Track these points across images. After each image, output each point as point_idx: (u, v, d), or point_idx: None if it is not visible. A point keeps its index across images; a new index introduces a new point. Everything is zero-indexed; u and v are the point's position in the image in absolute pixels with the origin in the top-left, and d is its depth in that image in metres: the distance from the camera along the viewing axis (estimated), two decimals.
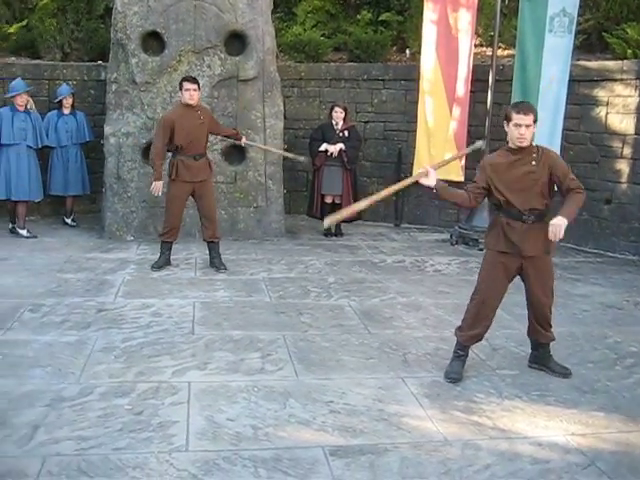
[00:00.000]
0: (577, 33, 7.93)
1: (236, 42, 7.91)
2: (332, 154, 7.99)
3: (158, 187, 6.40)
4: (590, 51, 8.64)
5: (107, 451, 3.24)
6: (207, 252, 6.68)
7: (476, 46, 8.90)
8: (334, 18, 10.75)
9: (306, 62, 9.61)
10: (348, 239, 8.23)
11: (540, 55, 7.56)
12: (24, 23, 9.86)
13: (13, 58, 9.31)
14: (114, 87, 7.80)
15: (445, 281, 6.50)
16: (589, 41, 8.77)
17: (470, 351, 4.37)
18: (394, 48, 10.16)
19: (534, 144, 4.10)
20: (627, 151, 7.58)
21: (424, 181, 4.26)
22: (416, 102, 8.59)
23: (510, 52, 8.94)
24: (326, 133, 8.09)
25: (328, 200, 8.23)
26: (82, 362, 4.28)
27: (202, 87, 7.43)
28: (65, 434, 3.38)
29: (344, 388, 4.02)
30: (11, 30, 9.66)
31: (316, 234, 8.38)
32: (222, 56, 7.80)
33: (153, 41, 7.79)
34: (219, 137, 7.39)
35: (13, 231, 7.96)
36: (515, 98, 7.91)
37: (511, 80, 7.94)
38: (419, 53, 8.67)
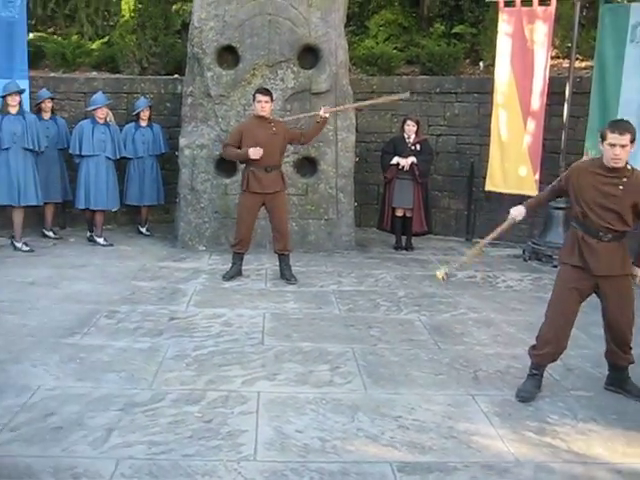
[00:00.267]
0: None
1: (309, 56, 7.98)
2: (403, 167, 7.95)
3: (257, 151, 6.26)
4: None
5: (177, 457, 3.29)
6: (278, 264, 6.73)
7: (552, 58, 8.73)
8: (407, 31, 10.74)
9: (378, 75, 9.61)
10: (419, 253, 8.16)
11: (620, 66, 7.35)
12: (105, 40, 10.25)
13: (95, 73, 9.65)
14: (189, 100, 7.99)
15: (517, 297, 6.36)
16: None
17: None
18: (467, 61, 10.07)
19: (628, 166, 3.92)
20: None
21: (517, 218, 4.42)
22: (489, 115, 8.46)
23: (588, 64, 8.73)
24: (398, 146, 8.05)
25: (399, 213, 8.18)
26: (154, 369, 4.37)
27: (275, 100, 7.54)
28: (137, 438, 3.46)
29: (413, 403, 3.98)
30: (93, 46, 10.05)
31: (386, 247, 8.34)
32: (295, 69, 7.88)
33: (228, 55, 7.95)
34: (291, 149, 7.45)
35: (91, 239, 8.23)
36: (593, 111, 7.72)
37: (589, 92, 7.75)
38: (493, 66, 8.55)
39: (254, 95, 6.44)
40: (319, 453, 3.38)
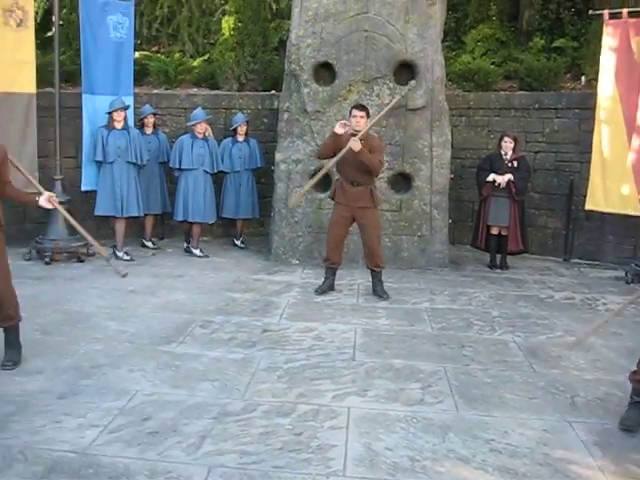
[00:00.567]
0: None
1: (405, 72, 7.96)
2: (500, 185, 7.80)
3: (341, 124, 6.28)
4: None
5: (267, 468, 3.32)
6: (370, 279, 6.72)
7: None
8: (505, 46, 10.56)
9: (475, 91, 9.49)
10: (514, 272, 7.96)
11: None
12: (206, 57, 10.58)
13: (195, 89, 9.97)
14: (286, 116, 8.12)
15: (618, 322, 6.06)
16: None
17: None
18: (568, 75, 9.79)
19: None
20: None
21: None
22: (590, 132, 8.18)
23: None
24: (494, 163, 7.91)
25: (494, 232, 8.01)
26: (247, 379, 4.44)
27: (371, 116, 7.57)
28: (229, 447, 3.51)
29: (506, 427, 3.86)
30: (194, 64, 10.39)
31: (480, 266, 8.18)
32: (391, 85, 7.89)
33: (324, 71, 8.04)
34: (386, 165, 7.44)
35: (187, 250, 8.47)
36: None
37: None
38: (595, 80, 8.28)
39: (350, 110, 6.48)
40: (408, 472, 3.34)
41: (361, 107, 6.46)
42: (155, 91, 9.65)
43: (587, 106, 8.37)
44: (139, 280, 6.99)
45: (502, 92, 9.50)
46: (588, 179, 8.18)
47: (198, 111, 8.38)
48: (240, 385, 4.34)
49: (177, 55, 10.61)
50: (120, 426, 3.71)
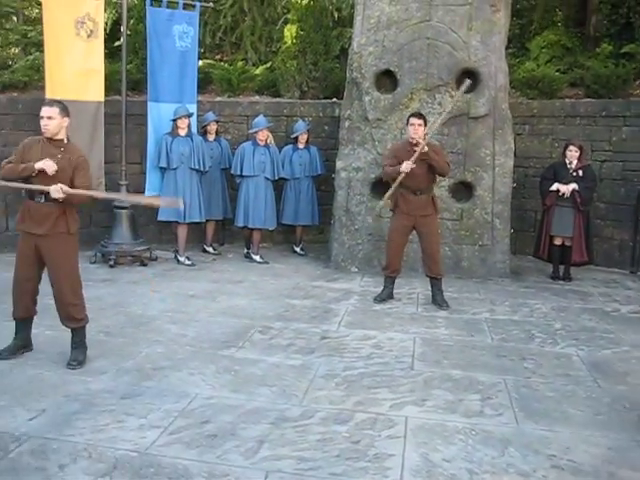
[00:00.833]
0: None
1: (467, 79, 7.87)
2: (564, 194, 7.63)
3: (408, 165, 6.20)
4: None
5: (324, 475, 3.32)
6: (430, 288, 6.66)
7: None
8: (570, 52, 10.34)
9: (539, 98, 9.32)
10: (578, 284, 7.77)
11: None
12: (268, 65, 10.69)
13: (257, 97, 10.08)
14: (347, 123, 8.14)
15: None
16: None
17: None
18: (638, 82, 9.51)
19: None
20: None
21: None
22: None
23: None
24: (558, 172, 7.75)
25: (557, 242, 7.84)
26: (305, 386, 4.45)
27: (432, 124, 7.51)
28: (286, 453, 3.53)
29: (569, 443, 3.76)
30: (257, 72, 10.51)
31: (543, 277, 8.01)
32: (453, 93, 7.81)
33: (386, 79, 8.03)
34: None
35: (247, 256, 8.56)
36: None
37: None
38: None
39: (408, 118, 6.46)
40: None
41: (419, 115, 6.43)
42: (218, 99, 9.80)
43: None
44: (200, 285, 7.11)
45: (567, 99, 9.31)
46: None
47: (260, 118, 8.47)
48: (298, 391, 4.35)
49: (240, 63, 10.76)
50: (180, 428, 3.76)
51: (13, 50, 10.77)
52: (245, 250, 8.67)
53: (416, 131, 6.29)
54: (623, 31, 10.20)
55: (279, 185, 8.75)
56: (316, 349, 5.20)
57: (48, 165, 4.47)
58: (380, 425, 3.89)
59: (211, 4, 9.45)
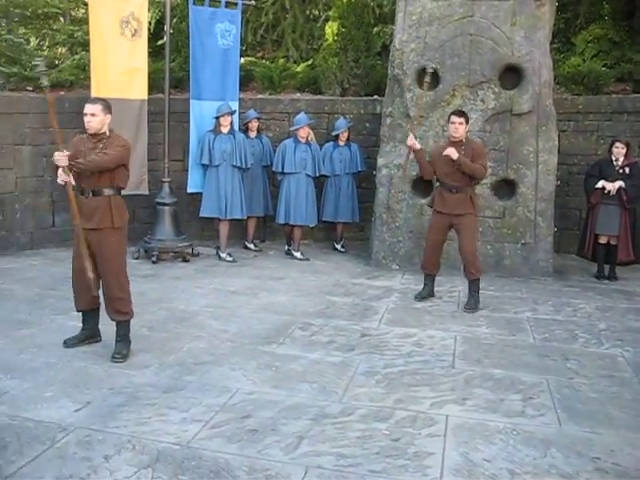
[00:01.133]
0: None
1: (510, 75, 7.78)
2: (610, 192, 7.50)
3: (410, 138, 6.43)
4: None
5: (364, 472, 3.33)
6: None
7: None
8: (618, 46, 10.12)
9: (584, 94, 9.16)
10: (623, 284, 7.61)
11: None
12: (309, 62, 10.71)
13: (298, 94, 10.10)
14: (388, 121, 8.11)
15: None
16: None
17: None
18: None
19: None
20: None
21: None
22: None
23: None
24: (604, 169, 7.61)
25: (602, 241, 7.70)
26: (345, 383, 4.46)
27: (475, 121, 7.47)
28: (326, 449, 3.54)
29: (613, 446, 3.69)
30: (298, 69, 10.54)
31: (587, 276, 7.88)
32: (496, 90, 7.73)
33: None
34: (490, 171, 7.29)
35: (288, 253, 8.60)
36: None
37: None
38: None
39: (449, 116, 6.40)
40: None
41: (460, 113, 6.33)
42: (259, 96, 9.85)
43: None
44: (241, 281, 7.17)
45: (614, 95, 9.12)
46: None
47: (301, 116, 8.50)
48: (338, 388, 4.37)
49: (281, 61, 10.80)
50: (221, 422, 3.81)
51: (60, 50, 10.99)
52: (286, 247, 8.71)
53: (456, 129, 6.21)
54: None
55: (320, 182, 8.76)
56: (356, 346, 5.21)
57: (57, 157, 4.56)
58: (420, 423, 3.88)
59: (253, 2, 9.49)
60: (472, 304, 6.31)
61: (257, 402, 4.11)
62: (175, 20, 9.80)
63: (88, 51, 8.32)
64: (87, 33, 8.39)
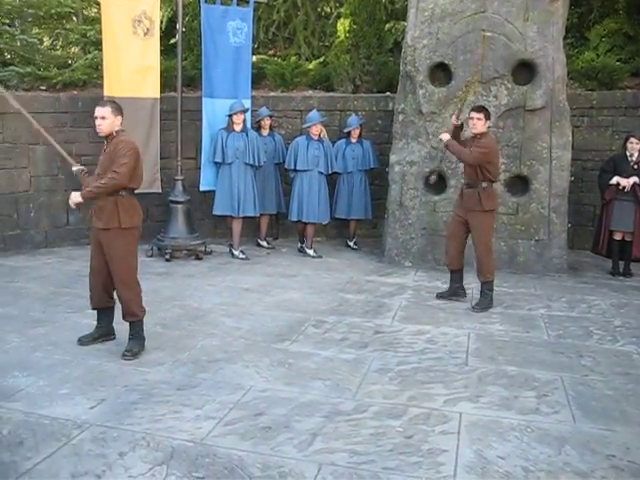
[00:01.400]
0: None
1: (524, 71, 7.74)
2: (624, 188, 7.44)
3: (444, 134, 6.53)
4: None
5: (377, 469, 3.33)
6: None
7: None
8: (632, 41, 10.04)
9: (598, 89, 9.09)
10: (638, 280, 7.55)
11: None
12: (321, 60, 10.70)
13: (310, 91, 10.10)
14: (401, 117, 8.09)
15: None
16: None
17: None
18: None
19: None
20: None
21: None
22: None
23: None
24: (619, 165, 7.56)
25: (617, 237, 7.66)
26: (358, 380, 4.46)
27: None
28: (340, 446, 3.55)
29: (629, 443, 3.66)
30: (310, 66, 10.53)
31: (601, 272, 7.83)
32: (509, 86, 7.69)
33: (440, 72, 7.94)
34: (502, 167, 7.26)
35: (301, 250, 8.60)
36: None
37: None
38: None
39: (470, 111, 6.35)
40: None
41: (478, 109, 6.27)
42: (272, 94, 9.85)
43: None
44: (254, 279, 7.18)
45: (629, 90, 9.05)
46: None
47: (313, 113, 8.49)
48: (351, 385, 4.37)
49: (293, 58, 10.79)
50: (234, 419, 3.82)
51: (73, 49, 11.04)
52: (299, 244, 8.72)
53: (474, 125, 6.15)
54: None
55: (332, 179, 8.76)
56: (369, 343, 5.20)
57: (72, 201, 4.81)
58: (434, 420, 3.88)
59: (264, 0, 9.49)
60: (481, 304, 6.22)
61: (270, 399, 4.12)
62: (187, 18, 9.81)
63: (101, 50, 8.35)
64: (100, 32, 8.41)
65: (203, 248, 8.25)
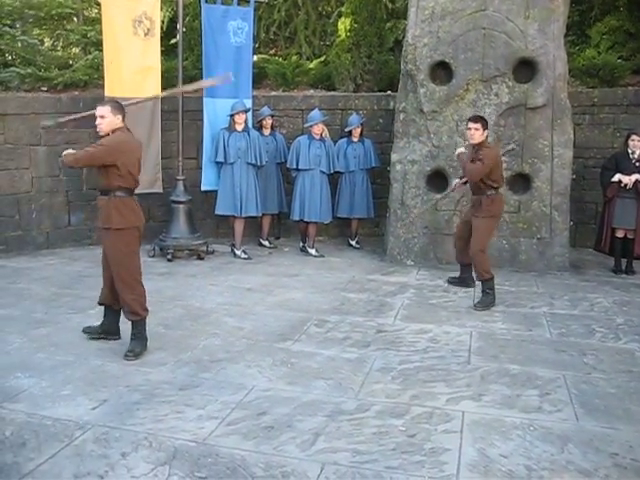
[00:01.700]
0: None
1: (524, 69, 7.72)
2: (626, 185, 7.43)
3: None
4: None
5: (380, 468, 3.33)
6: None
7: None
8: (634, 38, 10.01)
9: (600, 87, 9.08)
10: None
11: None
12: (322, 59, 10.69)
13: (312, 91, 10.09)
14: (402, 116, 8.08)
15: None
16: None
17: None
18: None
19: None
20: None
21: None
22: None
23: None
24: (620, 163, 7.54)
25: (619, 234, 7.64)
26: (361, 379, 4.46)
27: (489, 115, 7.43)
28: (342, 445, 3.54)
29: (632, 442, 3.65)
30: (311, 66, 10.52)
31: (604, 270, 7.81)
32: (510, 84, 7.68)
33: (441, 71, 7.93)
34: (504, 165, 7.26)
35: (303, 250, 8.60)
36: None
37: None
38: None
39: (467, 121, 6.42)
40: None
41: (474, 119, 6.31)
42: (273, 93, 9.85)
43: None
44: (256, 278, 7.18)
45: (630, 87, 9.03)
46: None
47: (315, 112, 8.48)
48: (354, 384, 4.37)
49: (294, 57, 10.78)
50: (237, 419, 3.82)
51: (74, 50, 11.04)
52: (301, 244, 8.72)
53: (472, 135, 6.25)
54: None
55: (334, 179, 8.75)
56: (372, 342, 5.20)
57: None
58: (436, 419, 3.87)
59: None
60: (483, 302, 6.25)
61: (273, 399, 4.12)
62: (188, 18, 9.81)
63: (101, 51, 8.35)
64: (100, 33, 8.41)
65: (205, 248, 8.25)
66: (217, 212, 8.29)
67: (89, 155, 4.70)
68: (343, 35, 9.96)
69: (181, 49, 8.30)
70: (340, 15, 10.64)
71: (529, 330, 5.59)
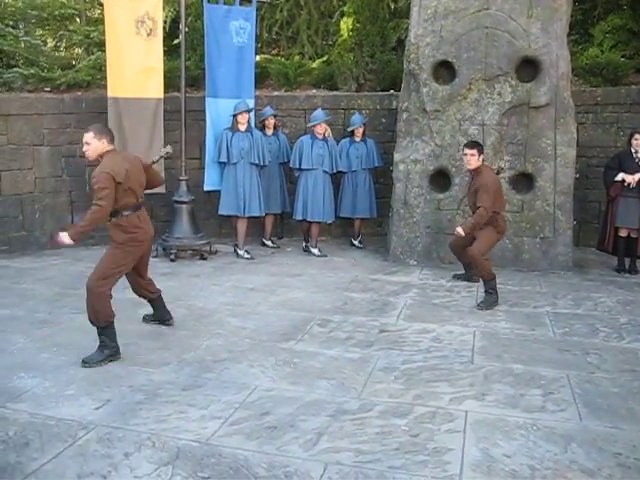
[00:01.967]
0: None
1: (528, 68, 7.71)
2: (630, 184, 7.42)
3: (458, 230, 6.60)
4: None
5: (383, 468, 3.32)
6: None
7: None
8: (637, 37, 9.99)
9: (603, 86, 9.06)
10: None
11: None
12: (324, 58, 10.69)
13: (314, 90, 10.08)
14: (405, 115, 8.08)
15: None
16: None
17: None
18: None
19: None
20: None
21: None
22: None
23: None
24: (624, 162, 7.53)
25: (622, 234, 7.62)
26: (364, 379, 4.46)
27: (492, 115, 7.43)
28: (345, 445, 3.54)
29: (636, 441, 3.65)
30: (314, 65, 10.52)
31: (607, 269, 7.80)
32: (513, 83, 7.67)
33: (444, 70, 7.92)
34: (507, 164, 7.28)
35: (306, 249, 8.60)
36: None
37: None
38: None
39: (463, 147, 6.54)
40: None
41: (470, 145, 6.38)
42: (275, 93, 9.85)
43: None
44: (259, 278, 7.18)
45: (633, 86, 9.01)
46: None
47: (318, 112, 8.48)
48: (357, 384, 4.36)
49: (296, 57, 10.79)
50: (240, 419, 3.82)
51: (76, 50, 11.07)
52: (303, 243, 8.72)
53: (468, 161, 6.35)
54: None
55: (337, 178, 8.75)
56: (375, 342, 5.20)
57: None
58: (439, 419, 3.87)
59: None
60: (486, 302, 6.25)
61: (276, 399, 4.12)
62: (190, 18, 9.82)
63: (104, 51, 8.37)
64: (103, 33, 8.44)
65: (208, 248, 8.26)
66: (220, 212, 8.30)
67: (107, 195, 4.56)
68: (345, 35, 9.96)
69: (183, 49, 8.30)
70: (342, 15, 10.64)
71: (532, 329, 5.58)
